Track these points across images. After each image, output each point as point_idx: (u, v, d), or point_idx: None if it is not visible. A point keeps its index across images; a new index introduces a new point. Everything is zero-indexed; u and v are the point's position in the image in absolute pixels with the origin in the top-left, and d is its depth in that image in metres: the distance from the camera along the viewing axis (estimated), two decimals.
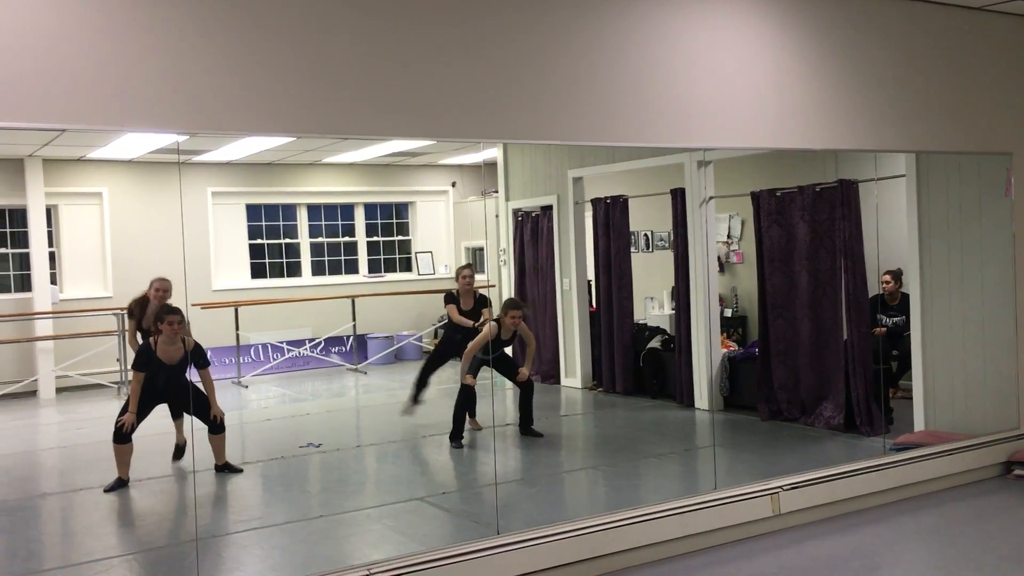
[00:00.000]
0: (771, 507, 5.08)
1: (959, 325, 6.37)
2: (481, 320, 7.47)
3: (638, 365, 8.97)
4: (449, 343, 7.69)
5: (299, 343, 11.50)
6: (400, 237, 13.57)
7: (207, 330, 9.84)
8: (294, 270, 12.80)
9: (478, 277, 9.94)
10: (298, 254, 12.83)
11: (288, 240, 12.75)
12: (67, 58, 3.31)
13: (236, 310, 10.72)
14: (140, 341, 6.34)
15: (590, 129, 4.54)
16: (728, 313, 9.50)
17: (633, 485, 6.16)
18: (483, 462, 6.70)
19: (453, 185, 13.54)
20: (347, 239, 13.21)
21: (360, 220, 13.27)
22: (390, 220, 13.53)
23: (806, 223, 7.29)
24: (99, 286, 11.07)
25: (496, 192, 10.79)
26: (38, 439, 8.69)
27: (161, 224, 10.81)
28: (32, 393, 10.21)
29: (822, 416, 7.17)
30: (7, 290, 10.93)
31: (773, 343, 7.57)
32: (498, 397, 8.63)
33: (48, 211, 10.83)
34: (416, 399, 7.74)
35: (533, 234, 10.02)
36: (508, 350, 7.58)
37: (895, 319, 7.90)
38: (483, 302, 7.60)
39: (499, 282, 10.79)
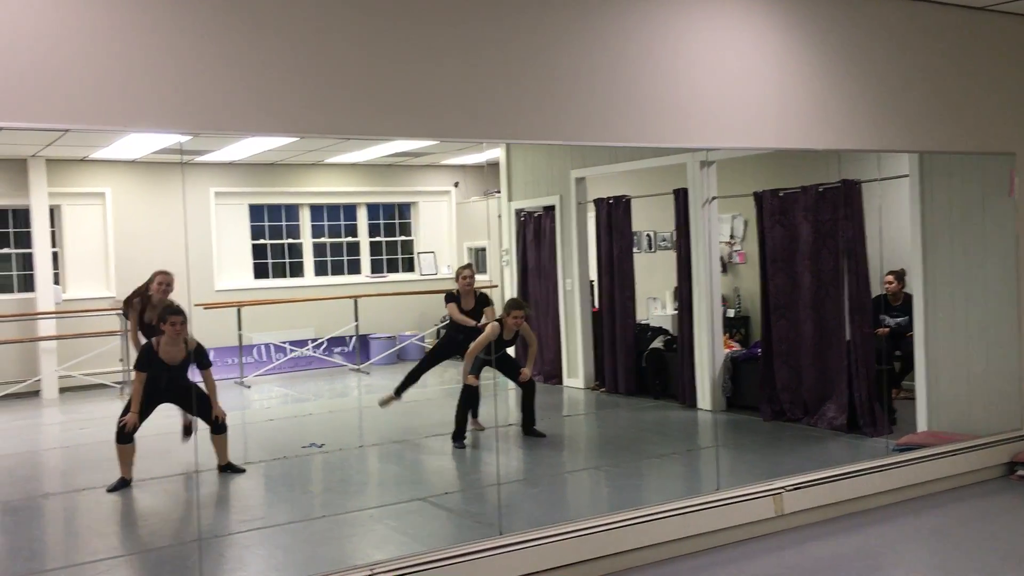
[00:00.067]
0: (774, 508, 5.07)
1: (962, 325, 6.36)
2: (484, 320, 7.46)
3: (640, 365, 8.97)
4: (450, 343, 7.66)
5: (302, 343, 11.51)
6: (403, 237, 13.58)
7: (210, 330, 9.84)
8: (297, 270, 12.81)
9: (480, 278, 9.94)
10: (301, 254, 12.84)
11: (291, 240, 12.76)
12: (70, 58, 3.32)
13: (239, 310, 10.73)
14: (142, 338, 6.35)
15: (593, 129, 4.53)
16: (731, 313, 9.50)
17: (635, 485, 6.16)
18: (485, 462, 6.70)
19: (456, 185, 13.55)
20: (350, 239, 13.21)
21: (363, 220, 13.28)
22: (393, 220, 13.54)
23: (809, 223, 7.29)
24: (102, 286, 11.09)
25: (498, 192, 10.79)
26: (41, 439, 8.70)
27: (164, 224, 10.82)
28: (35, 393, 10.22)
29: (825, 416, 7.17)
30: (10, 290, 10.95)
31: (776, 343, 7.56)
32: (500, 397, 8.63)
33: (51, 211, 10.85)
34: (400, 392, 7.68)
35: (536, 234, 10.02)
36: (511, 350, 7.58)
37: (898, 319, 7.89)
38: (484, 300, 7.57)
39: (501, 282, 10.80)
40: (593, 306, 9.64)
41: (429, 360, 7.70)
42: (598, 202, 9.29)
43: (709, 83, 4.87)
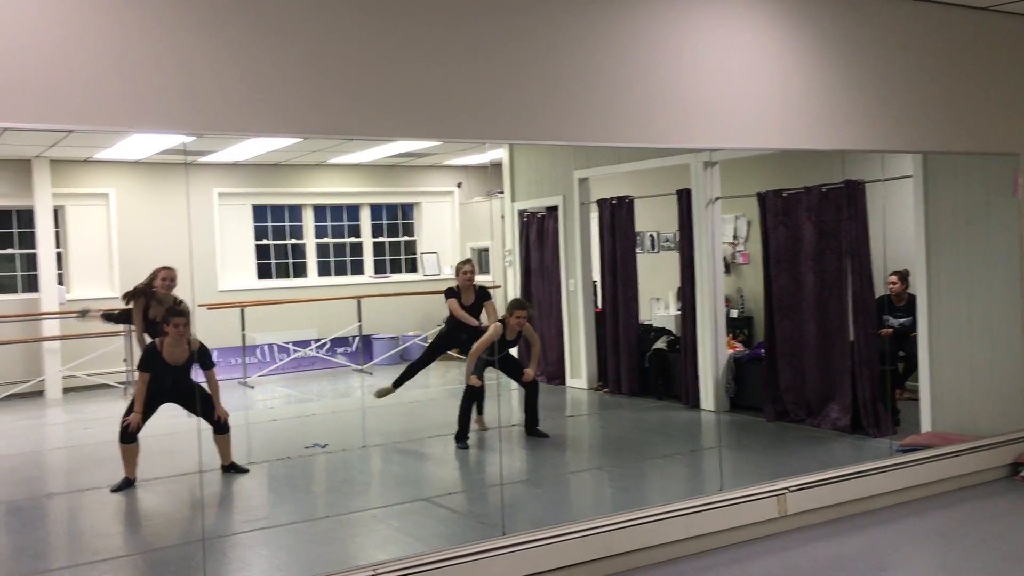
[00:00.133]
0: (777, 508, 5.07)
1: (966, 326, 6.35)
2: (484, 315, 7.43)
3: (644, 366, 8.97)
4: (450, 337, 7.63)
5: (305, 343, 11.52)
6: (406, 238, 13.59)
7: (213, 330, 9.85)
8: (300, 271, 12.82)
9: (484, 278, 9.93)
10: (304, 255, 12.85)
11: (294, 241, 12.77)
12: (74, 59, 3.32)
13: (242, 310, 10.75)
14: (147, 338, 6.36)
15: (596, 130, 4.53)
16: (734, 314, 9.50)
17: (639, 486, 6.16)
18: (489, 463, 6.70)
19: (459, 186, 13.55)
20: (353, 240, 13.22)
21: (366, 221, 13.29)
22: (396, 221, 13.55)
23: (812, 224, 7.28)
24: (106, 286, 11.10)
25: (502, 193, 10.79)
26: (45, 439, 8.72)
27: (168, 224, 10.84)
28: (39, 393, 10.24)
29: (828, 417, 7.16)
30: (14, 290, 10.97)
31: (779, 344, 7.55)
32: (503, 398, 8.63)
33: (55, 212, 10.87)
34: (397, 385, 7.71)
35: (539, 235, 10.02)
36: (513, 351, 7.58)
37: (901, 320, 7.88)
38: (484, 295, 7.56)
39: (504, 283, 10.80)
40: (596, 306, 9.64)
41: (429, 354, 7.71)
42: (601, 202, 9.29)
43: (712, 84, 4.87)
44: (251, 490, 6.22)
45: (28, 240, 10.91)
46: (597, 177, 9.48)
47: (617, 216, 9.09)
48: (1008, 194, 6.20)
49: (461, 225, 13.44)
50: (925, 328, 6.53)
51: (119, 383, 9.68)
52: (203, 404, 6.14)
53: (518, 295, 10.00)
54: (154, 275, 6.44)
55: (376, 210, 13.39)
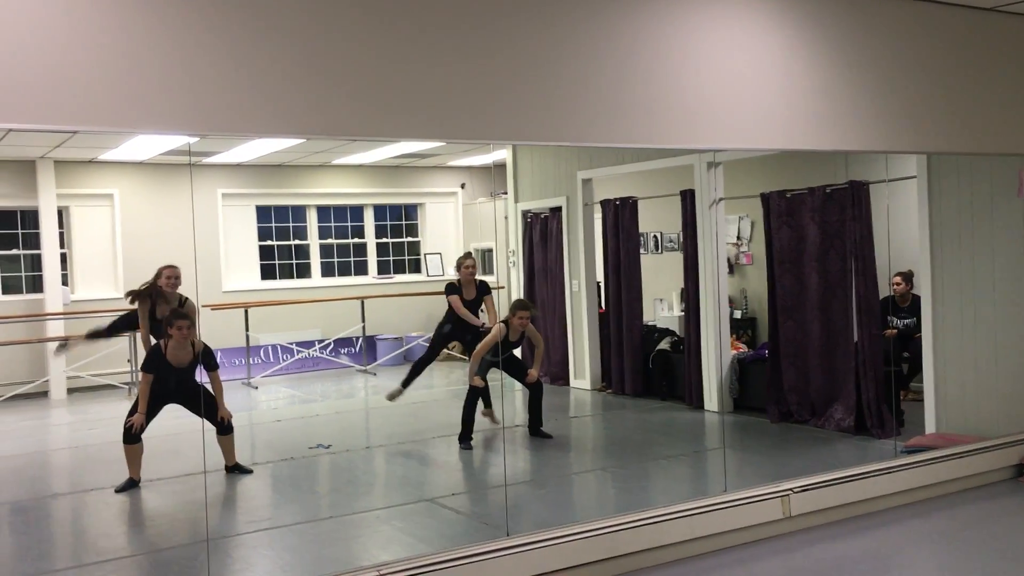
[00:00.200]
0: (781, 510, 5.06)
1: (970, 327, 6.35)
2: (483, 310, 7.42)
3: (647, 367, 8.96)
4: (450, 334, 7.61)
5: (309, 344, 11.53)
6: (409, 238, 13.59)
7: (217, 331, 9.87)
8: (304, 271, 12.83)
9: (487, 279, 9.91)
10: (308, 255, 12.87)
11: (298, 241, 12.78)
12: (78, 60, 3.33)
13: (246, 311, 10.76)
14: (152, 339, 6.37)
15: (599, 130, 4.53)
16: (738, 315, 9.49)
17: (642, 487, 6.16)
18: (492, 463, 6.70)
19: (462, 187, 13.56)
20: (356, 240, 13.23)
21: (369, 221, 13.30)
22: (399, 221, 13.56)
23: (816, 224, 7.27)
24: (110, 287, 11.12)
25: (505, 193, 10.79)
26: (49, 439, 8.73)
27: (172, 225, 10.85)
28: (43, 394, 10.26)
29: (832, 418, 7.15)
30: (19, 291, 11.00)
31: (783, 345, 7.55)
32: (507, 399, 8.63)
33: (60, 212, 10.89)
34: (406, 384, 7.70)
35: (542, 236, 10.02)
36: (517, 351, 7.57)
37: (906, 321, 7.87)
38: (485, 289, 7.54)
39: (508, 284, 10.80)
40: (600, 307, 9.64)
41: (432, 351, 7.69)
42: (605, 203, 9.29)
43: (716, 84, 4.87)
44: (255, 491, 6.23)
45: (32, 241, 10.94)
46: (600, 178, 9.48)
47: (621, 217, 9.09)
48: (1012, 195, 6.19)
49: (465, 226, 13.44)
50: (929, 329, 6.52)
51: (123, 383, 9.69)
52: (207, 405, 6.15)
53: (522, 296, 10.00)
54: (158, 274, 6.46)
55: (380, 211, 13.40)
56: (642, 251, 9.52)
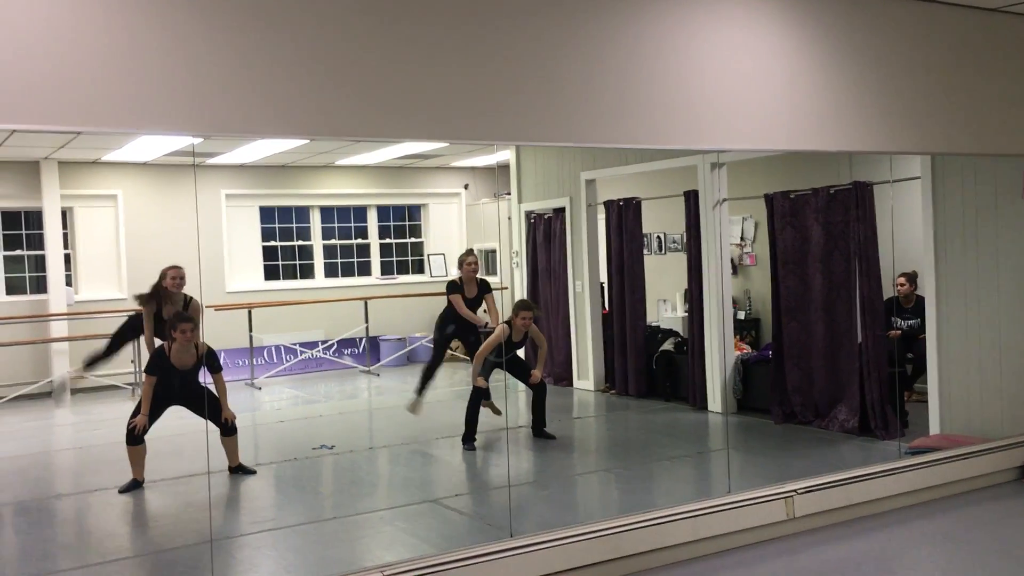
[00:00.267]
0: (785, 511, 5.06)
1: (975, 328, 6.33)
2: (484, 309, 7.39)
3: (651, 367, 8.96)
4: (453, 333, 7.53)
5: (312, 345, 11.54)
6: (413, 239, 13.60)
7: (220, 332, 9.88)
8: (307, 272, 12.84)
9: (491, 280, 9.89)
10: (311, 256, 12.87)
11: (301, 242, 12.79)
12: (82, 61, 3.33)
13: (249, 312, 10.77)
14: (156, 342, 6.38)
15: (603, 131, 4.53)
16: (741, 315, 9.48)
17: (646, 488, 6.15)
18: (496, 464, 6.70)
19: (466, 187, 13.56)
20: (360, 241, 13.23)
21: (373, 222, 13.30)
22: (403, 222, 13.56)
23: (820, 225, 7.26)
24: (114, 287, 11.13)
25: (509, 194, 10.79)
26: (53, 440, 8.74)
27: (175, 226, 10.85)
28: (47, 394, 10.27)
29: (836, 419, 7.14)
30: (23, 292, 11.01)
31: (787, 346, 7.54)
32: (511, 399, 8.62)
33: (64, 213, 10.91)
34: (421, 392, 7.62)
35: (546, 236, 10.02)
36: (520, 352, 7.56)
37: (910, 322, 7.86)
38: (485, 287, 7.48)
39: (512, 284, 10.80)
40: (603, 308, 9.63)
41: (439, 352, 7.61)
42: (608, 204, 9.28)
43: (720, 85, 4.86)
44: (259, 491, 6.23)
45: (36, 241, 10.95)
46: (604, 178, 9.47)
47: (624, 217, 9.09)
48: (1016, 195, 6.18)
49: (468, 227, 13.44)
50: (934, 330, 6.51)
51: (127, 384, 9.70)
52: (211, 407, 6.16)
53: (525, 297, 10.00)
54: (163, 275, 6.47)
55: (383, 211, 13.40)
56: (646, 252, 9.51)
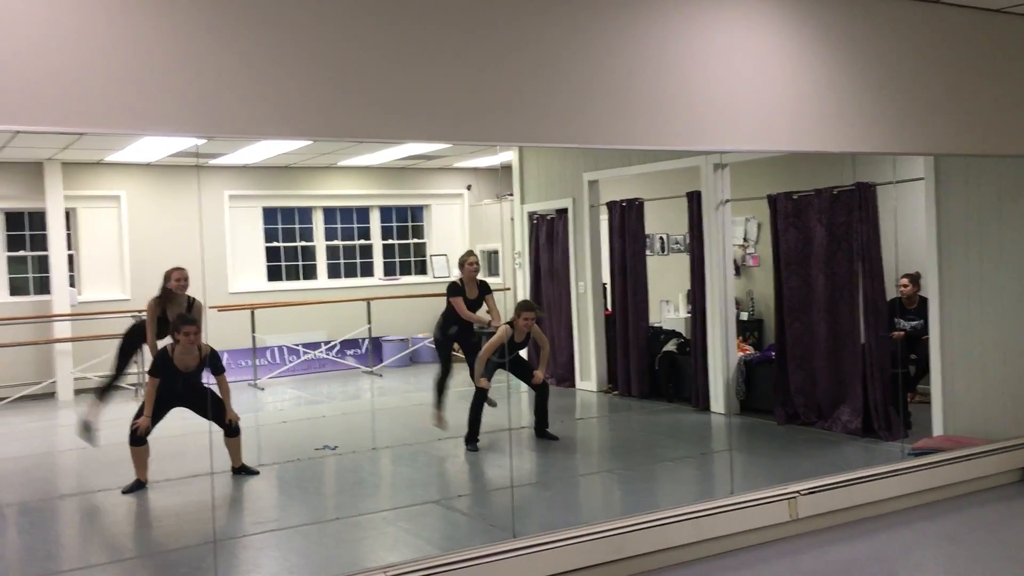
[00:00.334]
0: (788, 512, 5.05)
1: (978, 329, 6.33)
2: (485, 309, 7.36)
3: (653, 368, 8.96)
4: (455, 336, 7.45)
5: (315, 345, 11.55)
6: (415, 240, 13.60)
7: (223, 332, 9.89)
8: (310, 273, 12.85)
9: (493, 280, 9.90)
10: (314, 257, 12.89)
11: (304, 243, 12.80)
12: (86, 63, 3.34)
13: (252, 312, 10.79)
14: (157, 345, 6.39)
15: (606, 132, 4.53)
16: (744, 316, 9.48)
17: (649, 489, 6.15)
18: (498, 465, 6.70)
19: (468, 188, 13.56)
20: (362, 242, 13.25)
21: (375, 223, 13.31)
22: (405, 223, 13.57)
23: (823, 226, 7.26)
24: (117, 288, 11.15)
25: (511, 195, 10.80)
26: (56, 441, 8.75)
27: (179, 227, 10.88)
28: (51, 395, 10.29)
29: (839, 420, 7.14)
30: (26, 292, 11.03)
31: (790, 347, 7.53)
32: (513, 400, 8.62)
33: (67, 214, 10.93)
34: (440, 405, 7.49)
35: (548, 237, 10.02)
36: (523, 353, 7.56)
37: (913, 323, 7.85)
38: (485, 288, 7.43)
39: (514, 285, 10.80)
40: (606, 309, 9.63)
41: (446, 362, 7.53)
42: (611, 205, 9.28)
43: (723, 85, 4.86)
44: (262, 492, 6.24)
45: (40, 242, 10.97)
46: (607, 179, 9.47)
47: (627, 218, 9.09)
48: (1020, 196, 6.17)
49: (471, 227, 13.45)
50: (937, 331, 6.51)
51: (130, 385, 9.70)
52: (214, 408, 6.16)
53: (528, 297, 10.00)
54: (167, 276, 6.48)
55: (386, 212, 13.41)
56: (648, 253, 9.51)
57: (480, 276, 7.47)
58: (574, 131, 4.44)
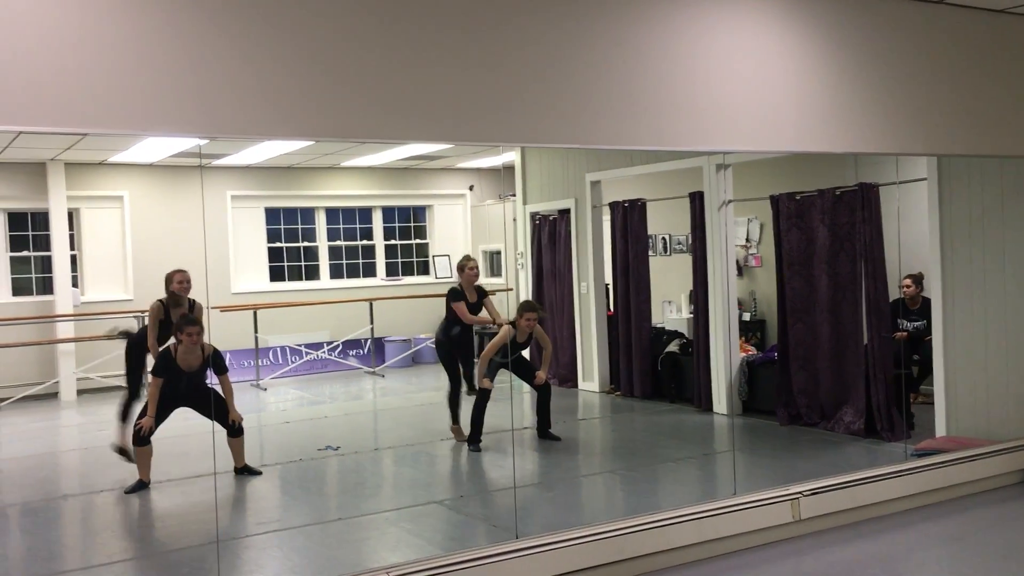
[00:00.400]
0: (791, 513, 5.05)
1: (981, 329, 6.32)
2: (484, 313, 7.34)
3: (656, 369, 8.95)
4: (458, 342, 7.35)
5: (317, 346, 11.55)
6: (418, 240, 13.60)
7: (226, 333, 9.90)
8: (312, 273, 12.85)
9: (496, 281, 9.91)
10: (316, 257, 12.89)
11: (306, 243, 12.80)
12: (89, 63, 3.34)
13: (255, 313, 10.79)
14: (158, 347, 6.40)
15: (608, 133, 4.53)
16: (746, 317, 9.47)
17: (651, 490, 6.15)
18: (501, 466, 6.70)
19: (471, 188, 13.56)
20: (365, 242, 13.25)
21: (378, 223, 13.32)
22: (408, 223, 13.57)
23: (826, 227, 7.25)
24: (120, 289, 11.16)
25: (514, 195, 10.80)
26: (59, 441, 8.77)
27: (181, 227, 10.89)
28: (54, 395, 10.30)
29: (842, 421, 7.13)
30: (29, 293, 11.04)
31: (792, 347, 7.53)
32: (516, 401, 8.62)
33: (70, 214, 10.94)
34: (458, 419, 7.30)
35: (551, 238, 10.02)
36: (525, 353, 7.56)
37: (916, 324, 7.84)
38: (483, 292, 7.42)
39: (516, 286, 10.80)
40: (608, 309, 9.63)
41: (454, 373, 7.38)
42: (613, 205, 9.28)
43: (725, 86, 4.86)
44: (264, 492, 6.24)
45: (43, 242, 10.99)
46: (609, 180, 9.47)
47: (629, 219, 9.08)
48: (1023, 196, 6.16)
49: (473, 228, 13.45)
50: (940, 332, 6.50)
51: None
52: (217, 408, 6.17)
53: (530, 298, 10.00)
54: (170, 279, 6.49)
55: (388, 213, 13.42)
56: (651, 253, 9.51)
57: (482, 277, 7.45)
58: (576, 131, 4.44)
